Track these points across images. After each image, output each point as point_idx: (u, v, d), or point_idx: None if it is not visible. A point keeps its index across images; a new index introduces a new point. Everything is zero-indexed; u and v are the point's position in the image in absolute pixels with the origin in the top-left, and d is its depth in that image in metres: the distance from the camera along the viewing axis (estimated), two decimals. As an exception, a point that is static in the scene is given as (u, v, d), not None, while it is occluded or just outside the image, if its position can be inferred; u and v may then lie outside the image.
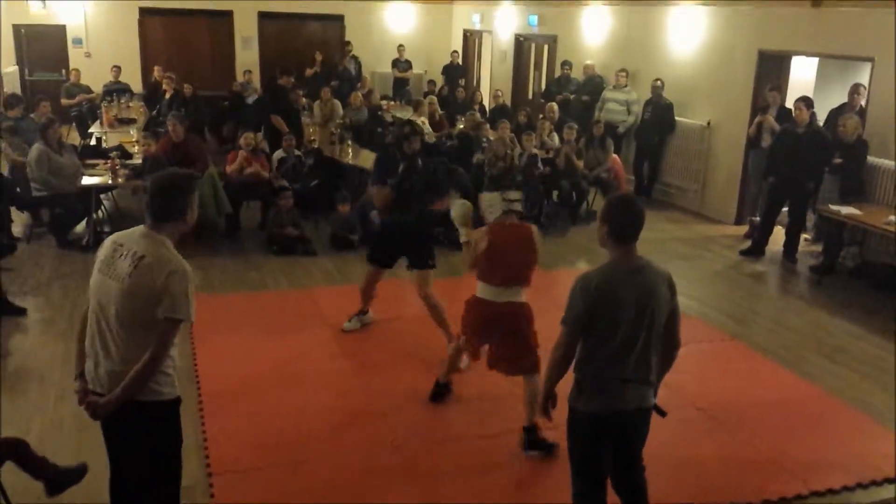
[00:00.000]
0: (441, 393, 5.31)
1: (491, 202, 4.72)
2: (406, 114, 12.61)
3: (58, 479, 3.96)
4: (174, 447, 3.31)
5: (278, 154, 9.41)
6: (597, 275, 3.28)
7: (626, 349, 3.28)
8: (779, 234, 8.91)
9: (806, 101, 8.31)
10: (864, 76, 8.95)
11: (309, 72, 15.61)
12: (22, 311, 6.51)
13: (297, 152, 9.58)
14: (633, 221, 3.30)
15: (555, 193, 10.09)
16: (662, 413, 3.57)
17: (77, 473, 4.04)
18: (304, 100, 13.02)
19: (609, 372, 3.31)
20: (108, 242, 3.22)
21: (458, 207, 5.00)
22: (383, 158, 6.05)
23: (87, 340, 3.19)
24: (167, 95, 12.78)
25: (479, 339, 4.86)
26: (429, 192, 5.86)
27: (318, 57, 16.04)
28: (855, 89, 8.58)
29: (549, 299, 7.35)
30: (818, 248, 8.78)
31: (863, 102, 8.58)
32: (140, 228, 3.17)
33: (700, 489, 4.40)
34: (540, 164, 9.69)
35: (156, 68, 14.62)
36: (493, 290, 4.66)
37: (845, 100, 8.73)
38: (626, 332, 3.25)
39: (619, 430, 3.44)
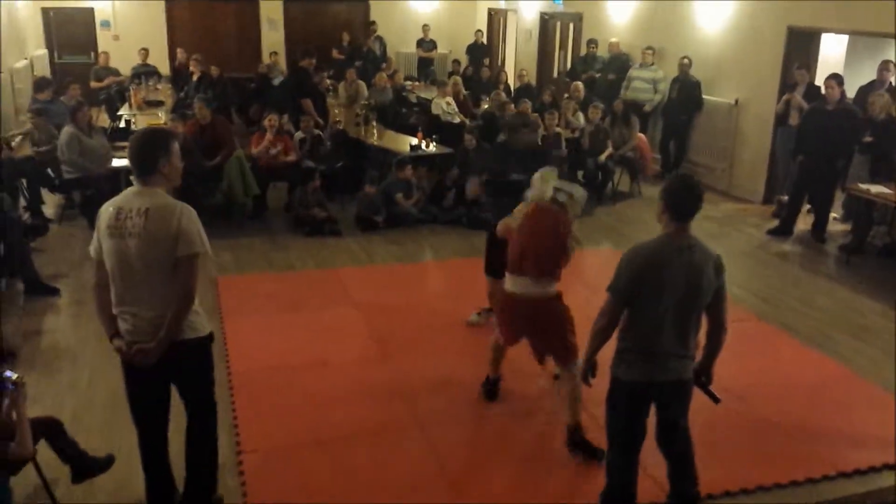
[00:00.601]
0: (493, 391, 5.12)
1: (545, 183, 4.55)
2: (431, 94, 12.62)
3: (84, 465, 4.00)
4: (211, 379, 3.69)
5: (298, 135, 9.46)
6: (645, 248, 3.46)
7: (667, 322, 3.42)
8: (807, 214, 8.83)
9: (837, 79, 8.19)
10: (893, 53, 8.80)
11: (336, 53, 15.63)
12: (55, 291, 6.63)
13: (315, 132, 9.61)
14: (690, 201, 3.42)
15: (580, 173, 10.05)
16: (716, 399, 3.67)
17: (104, 463, 4.08)
18: (327, 81, 13.05)
19: (649, 343, 3.45)
20: (105, 210, 3.44)
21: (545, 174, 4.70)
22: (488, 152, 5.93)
23: (115, 301, 3.45)
24: (194, 77, 12.85)
25: (513, 336, 4.76)
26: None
27: (346, 37, 16.03)
28: (884, 66, 8.44)
29: (576, 279, 7.38)
30: (847, 227, 8.68)
31: (892, 79, 8.44)
32: (131, 189, 3.45)
33: (727, 471, 4.39)
34: (563, 145, 9.63)
35: (179, 50, 14.72)
36: (521, 281, 4.48)
37: (875, 77, 8.59)
38: (667, 306, 3.39)
39: (658, 400, 3.60)
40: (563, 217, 4.49)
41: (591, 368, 3.70)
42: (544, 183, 4.54)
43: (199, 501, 3.79)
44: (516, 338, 4.74)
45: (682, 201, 3.42)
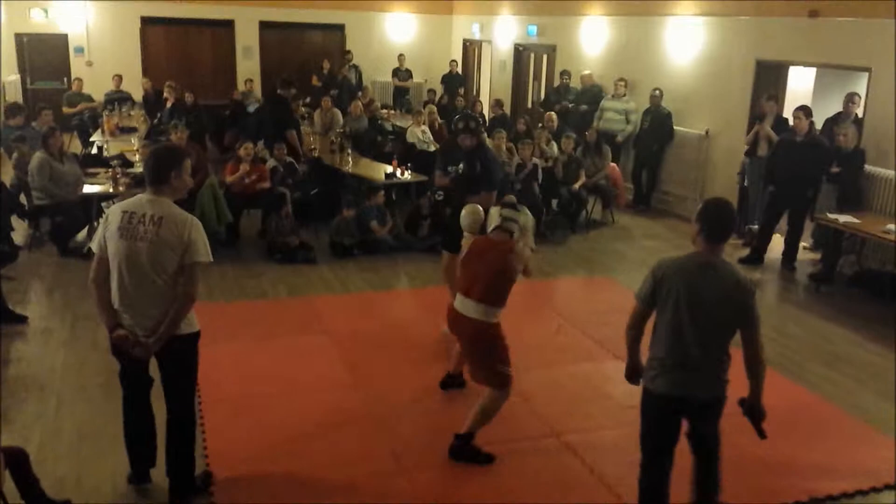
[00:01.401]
0: (449, 383, 5.49)
1: (490, 214, 4.81)
2: (406, 122, 12.67)
3: None
4: (195, 366, 4.09)
5: (271, 163, 9.45)
6: (671, 260, 3.67)
7: (690, 337, 3.54)
8: (777, 242, 8.95)
9: (805, 111, 8.36)
10: (861, 86, 9.00)
11: (315, 81, 15.68)
12: (23, 319, 6.53)
13: (288, 159, 9.61)
14: (723, 224, 3.62)
15: (554, 202, 10.13)
16: (762, 435, 3.74)
17: None
18: (302, 109, 13.07)
19: (672, 355, 3.59)
20: (115, 212, 3.83)
21: (468, 215, 5.14)
22: (445, 149, 6.61)
23: (118, 298, 3.83)
24: (168, 104, 12.82)
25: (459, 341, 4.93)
26: (476, 184, 6.11)
27: (326, 65, 16.11)
28: (850, 98, 8.63)
29: (549, 307, 7.42)
30: (816, 256, 8.81)
31: (858, 111, 8.63)
32: (143, 196, 3.85)
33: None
34: (539, 176, 9.71)
35: (143, 80, 14.70)
36: (462, 300, 4.59)
37: (842, 109, 8.78)
38: (688, 319, 3.52)
39: (685, 414, 3.70)
40: (506, 247, 4.60)
41: (634, 370, 3.85)
42: (490, 218, 4.82)
43: (183, 480, 4.14)
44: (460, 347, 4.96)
45: (715, 224, 3.59)
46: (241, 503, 4.21)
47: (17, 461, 3.77)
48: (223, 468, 4.49)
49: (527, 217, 4.82)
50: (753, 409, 3.71)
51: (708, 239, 3.57)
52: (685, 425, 3.77)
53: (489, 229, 4.80)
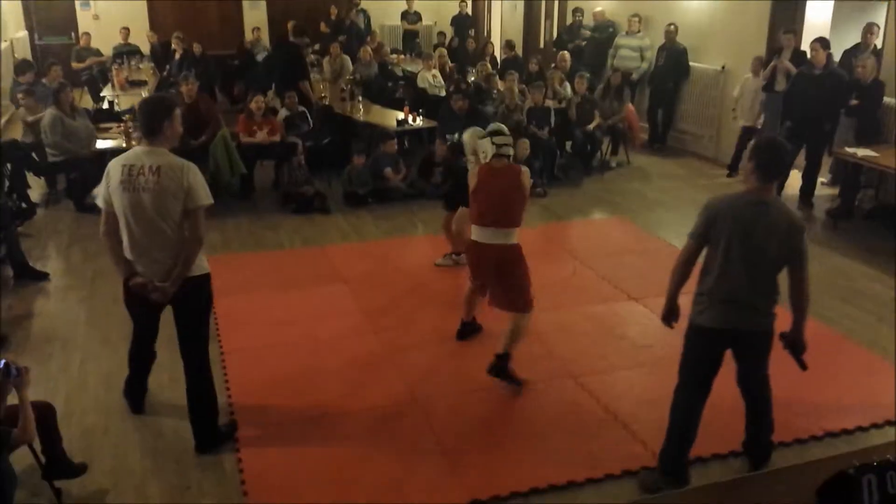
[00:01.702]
0: (466, 332, 5.53)
1: (485, 150, 4.93)
2: (416, 67, 12.53)
3: (59, 465, 3.92)
4: (208, 309, 4.26)
5: (282, 113, 9.39)
6: (724, 197, 3.76)
7: (738, 272, 3.63)
8: (794, 178, 8.85)
9: (822, 43, 8.17)
10: (880, 16, 8.77)
11: (324, 27, 15.47)
12: (44, 276, 6.61)
13: (300, 108, 9.55)
14: (777, 163, 3.69)
15: (568, 144, 10.03)
16: (803, 366, 3.83)
17: (77, 470, 4.00)
18: (312, 56, 12.93)
19: (720, 290, 3.68)
20: (115, 167, 3.96)
21: (469, 134, 5.29)
22: (443, 116, 6.88)
23: (130, 247, 3.99)
24: (177, 56, 12.73)
25: (478, 278, 5.13)
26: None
27: (333, 11, 15.88)
28: (869, 28, 8.42)
29: (563, 248, 7.42)
30: (834, 191, 8.71)
31: (877, 42, 8.43)
32: (139, 148, 3.99)
33: (717, 435, 4.42)
34: (552, 118, 9.59)
35: (149, 33, 14.59)
36: (483, 231, 4.82)
37: (860, 40, 8.58)
38: (738, 255, 3.61)
39: (732, 348, 3.83)
40: (514, 170, 4.85)
41: (672, 311, 3.93)
42: (473, 141, 5.06)
43: (206, 424, 4.29)
44: (480, 281, 5.11)
45: (769, 163, 3.64)
46: (265, 450, 4.29)
47: (45, 417, 3.85)
48: (246, 418, 4.57)
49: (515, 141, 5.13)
50: (795, 343, 3.80)
51: (761, 177, 3.62)
52: (733, 371, 3.87)
53: (487, 159, 4.92)
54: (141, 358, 4.59)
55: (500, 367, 4.82)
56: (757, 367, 3.93)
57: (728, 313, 3.69)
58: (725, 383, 4.96)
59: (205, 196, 3.95)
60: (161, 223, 3.90)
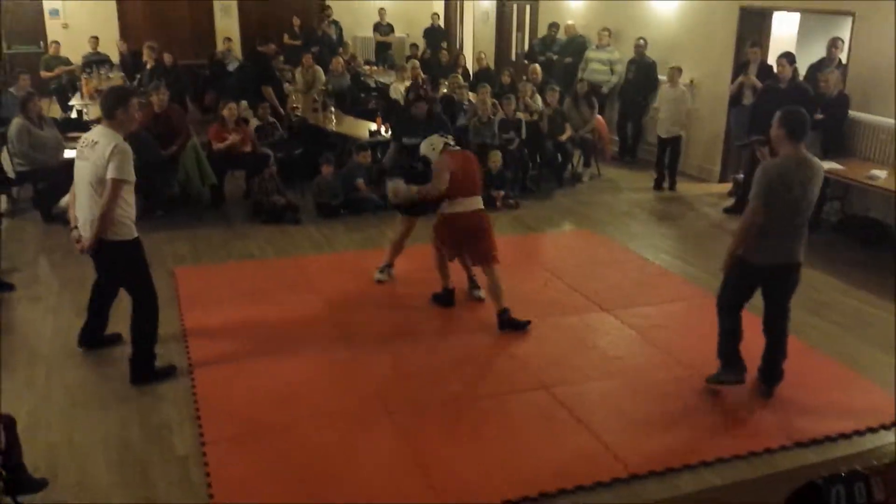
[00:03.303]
0: (450, 299, 6.25)
1: (433, 144, 5.93)
2: (389, 78, 12.54)
3: (20, 479, 3.82)
4: (140, 272, 4.96)
5: (254, 123, 9.34)
6: (776, 164, 4.62)
7: (789, 218, 4.61)
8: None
9: (788, 58, 8.31)
10: (844, 31, 8.94)
11: (287, 39, 15.41)
12: (10, 287, 6.49)
13: (271, 119, 9.51)
14: (803, 123, 4.59)
15: (538, 156, 10.08)
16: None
17: (37, 485, 3.90)
18: (283, 66, 12.88)
19: (774, 234, 4.63)
20: (80, 140, 4.83)
21: (393, 188, 6.15)
22: (401, 120, 7.29)
23: (76, 206, 4.88)
24: (148, 66, 12.61)
25: (456, 248, 6.01)
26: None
27: (297, 22, 15.84)
28: (833, 43, 8.58)
29: (536, 261, 7.45)
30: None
31: (842, 56, 8.59)
32: (97, 127, 4.85)
33: (686, 443, 4.48)
34: (523, 131, 9.64)
35: (118, 41, 14.46)
36: (467, 201, 5.82)
37: (825, 54, 8.73)
38: (791, 205, 4.57)
39: (767, 278, 4.77)
40: (469, 153, 6.17)
41: (736, 262, 4.78)
42: (433, 146, 5.94)
43: (142, 365, 5.02)
44: (459, 250, 6.03)
45: (797, 124, 4.57)
46: (235, 465, 4.24)
47: (6, 427, 3.77)
48: (215, 431, 4.52)
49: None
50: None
51: (792, 139, 4.56)
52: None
53: (440, 153, 5.89)
54: (93, 302, 5.38)
55: (507, 321, 5.77)
56: (787, 297, 4.85)
57: (776, 250, 4.66)
58: (693, 396, 5.02)
59: (120, 172, 4.57)
60: (91, 189, 4.65)
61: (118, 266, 4.93)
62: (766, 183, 4.53)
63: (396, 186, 6.10)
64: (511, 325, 5.76)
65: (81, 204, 4.80)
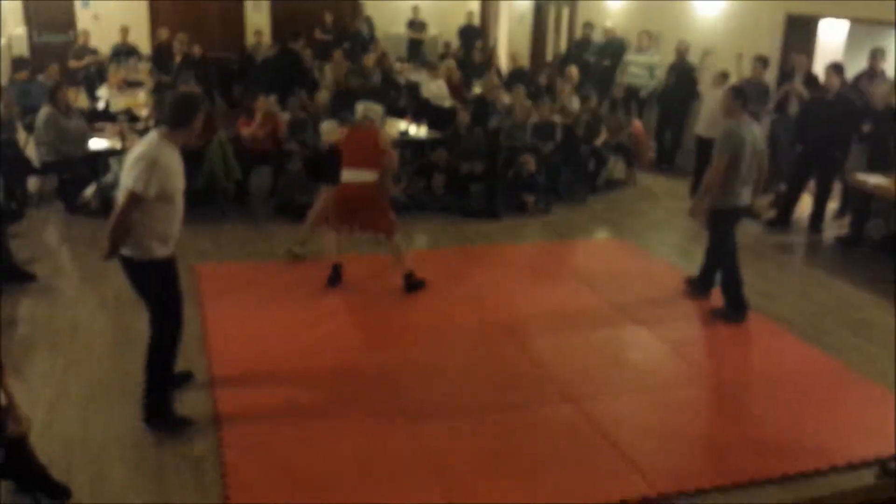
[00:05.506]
0: (340, 275, 6.50)
1: (356, 110, 6.41)
2: (420, 76, 12.36)
3: (44, 486, 3.73)
4: (157, 299, 4.37)
5: (285, 116, 9.22)
6: (732, 128, 5.79)
7: (745, 171, 5.82)
8: (804, 204, 8.68)
9: (836, 69, 8.02)
10: (890, 40, 8.65)
11: (318, 34, 15.29)
12: (32, 278, 6.40)
13: (303, 114, 9.38)
14: (748, 96, 5.96)
15: (573, 160, 9.83)
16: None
17: (59, 492, 3.78)
18: (313, 62, 12.77)
19: (748, 182, 5.93)
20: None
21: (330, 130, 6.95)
22: (337, 96, 7.90)
23: None
24: (178, 58, 12.55)
25: (342, 220, 6.30)
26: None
27: (328, 18, 15.73)
28: (873, 54, 8.30)
29: (565, 269, 7.23)
30: (844, 219, 8.53)
31: (886, 67, 8.29)
32: (154, 132, 4.22)
33: (719, 465, 4.30)
34: (557, 133, 9.42)
35: (162, 29, 14.36)
36: (352, 173, 6.16)
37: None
38: (748, 160, 5.80)
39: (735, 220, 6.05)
40: (372, 128, 6.33)
41: (704, 208, 5.96)
42: (364, 111, 6.40)
43: (152, 405, 4.43)
44: (345, 222, 6.31)
45: (745, 97, 5.89)
46: (252, 467, 4.10)
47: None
48: (234, 434, 4.39)
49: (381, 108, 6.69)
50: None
51: (745, 107, 5.87)
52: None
53: (355, 121, 6.42)
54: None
55: (412, 284, 6.35)
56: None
57: (740, 195, 5.90)
58: (725, 416, 4.81)
59: (131, 182, 4.01)
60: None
61: (135, 286, 4.37)
62: (729, 143, 5.72)
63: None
64: (415, 287, 6.34)
65: None
